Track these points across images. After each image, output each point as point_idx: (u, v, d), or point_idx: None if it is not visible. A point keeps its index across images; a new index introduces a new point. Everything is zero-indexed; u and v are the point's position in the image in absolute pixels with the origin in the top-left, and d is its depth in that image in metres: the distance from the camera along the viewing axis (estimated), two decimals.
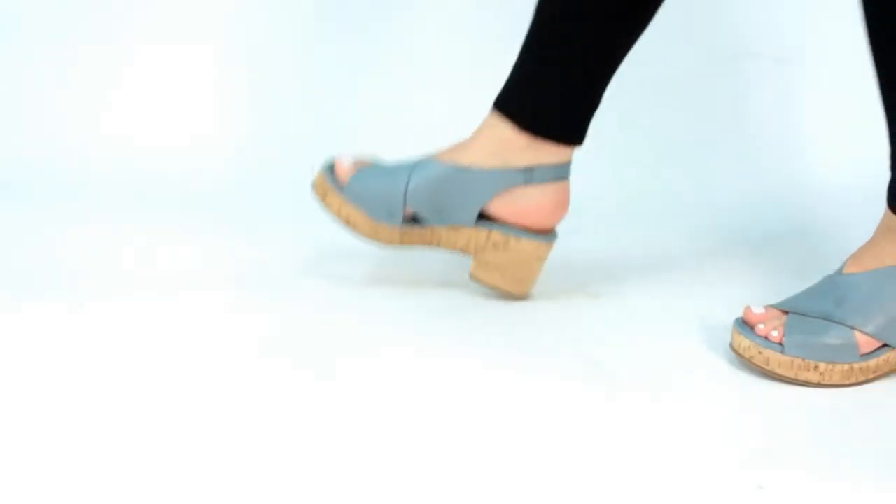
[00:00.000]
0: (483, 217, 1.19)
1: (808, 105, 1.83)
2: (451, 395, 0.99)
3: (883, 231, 1.11)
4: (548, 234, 1.21)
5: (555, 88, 1.16)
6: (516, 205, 1.18)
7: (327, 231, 1.34)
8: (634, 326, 1.16)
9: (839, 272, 1.10)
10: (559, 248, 1.40)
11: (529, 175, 1.17)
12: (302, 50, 1.83)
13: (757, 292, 1.27)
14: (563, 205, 1.20)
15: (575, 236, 1.46)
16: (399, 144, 1.44)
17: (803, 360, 1.03)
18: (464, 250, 1.20)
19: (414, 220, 1.19)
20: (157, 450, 0.88)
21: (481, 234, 1.19)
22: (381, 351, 1.08)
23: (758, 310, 1.08)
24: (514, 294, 1.21)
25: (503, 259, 1.19)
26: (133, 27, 1.79)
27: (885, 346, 1.05)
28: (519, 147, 1.17)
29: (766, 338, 1.05)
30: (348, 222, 1.19)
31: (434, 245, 1.20)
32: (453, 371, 1.04)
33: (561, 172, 1.18)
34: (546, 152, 1.17)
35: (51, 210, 1.48)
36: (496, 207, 1.18)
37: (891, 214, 1.10)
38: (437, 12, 1.79)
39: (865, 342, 1.04)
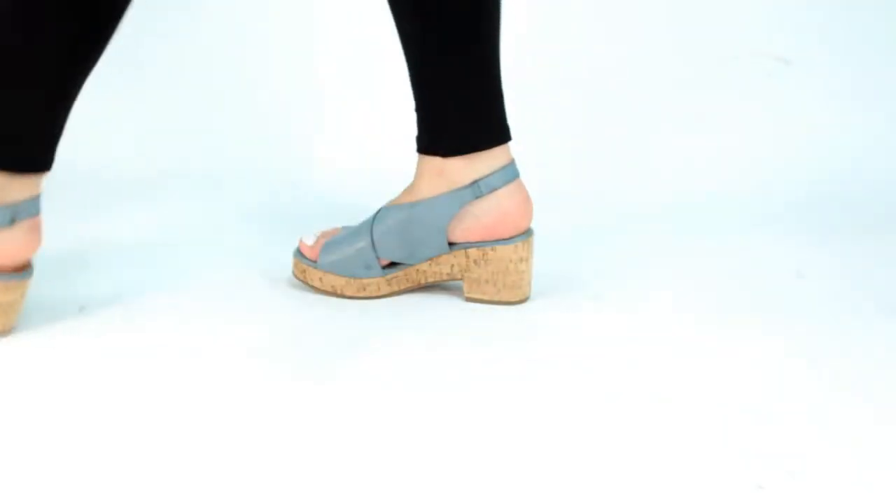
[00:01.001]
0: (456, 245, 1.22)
1: (807, 106, 1.83)
2: (449, 397, 0.99)
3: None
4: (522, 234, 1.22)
5: (450, 106, 1.19)
6: (481, 221, 1.20)
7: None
8: (635, 327, 1.16)
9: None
10: (560, 249, 1.40)
11: (477, 189, 1.19)
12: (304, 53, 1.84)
13: (756, 291, 1.27)
14: (524, 204, 1.21)
15: (574, 237, 1.46)
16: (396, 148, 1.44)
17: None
18: (451, 276, 1.22)
19: (393, 265, 1.22)
20: (153, 457, 0.88)
21: (459, 255, 1.21)
22: (380, 355, 1.08)
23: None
24: (514, 300, 1.21)
25: (489, 271, 1.20)
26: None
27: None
28: (455, 170, 1.19)
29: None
30: (335, 290, 1.23)
31: (423, 282, 1.23)
32: (452, 373, 1.04)
33: (507, 175, 1.20)
34: (483, 163, 1.19)
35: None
36: (462, 232, 1.20)
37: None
38: None
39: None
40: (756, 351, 1.10)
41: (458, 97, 1.18)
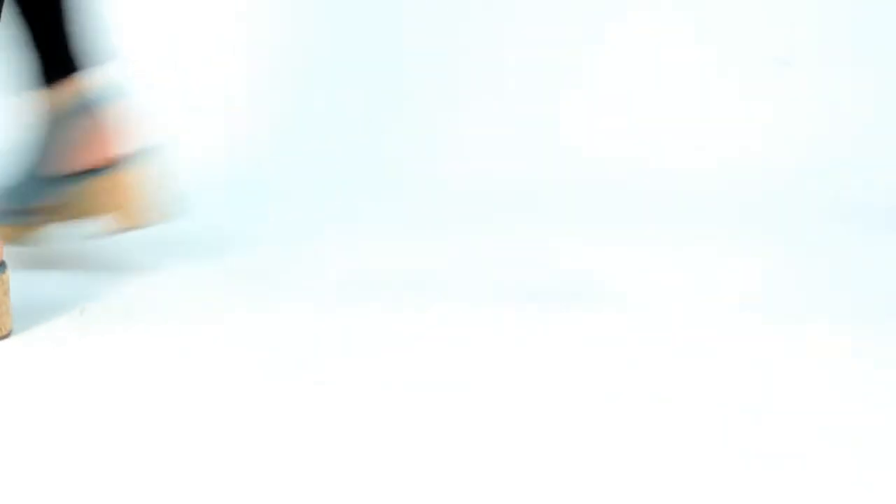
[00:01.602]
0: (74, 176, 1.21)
1: (807, 106, 1.83)
2: (448, 397, 0.98)
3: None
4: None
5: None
6: (90, 144, 1.19)
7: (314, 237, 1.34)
8: (635, 327, 1.16)
9: None
10: (559, 248, 1.39)
11: (59, 124, 1.18)
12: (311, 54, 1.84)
13: (756, 291, 1.27)
14: (118, 130, 1.20)
15: (573, 239, 1.46)
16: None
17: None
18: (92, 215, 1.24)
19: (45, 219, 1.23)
20: (152, 457, 0.88)
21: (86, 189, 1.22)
22: (378, 355, 1.08)
23: None
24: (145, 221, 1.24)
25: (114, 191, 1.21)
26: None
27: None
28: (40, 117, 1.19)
29: None
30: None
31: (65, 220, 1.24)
32: (450, 373, 1.04)
33: (90, 101, 1.18)
34: (55, 101, 1.18)
35: None
36: (70, 160, 1.20)
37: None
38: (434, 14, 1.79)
39: None
40: (756, 351, 1.09)
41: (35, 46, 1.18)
